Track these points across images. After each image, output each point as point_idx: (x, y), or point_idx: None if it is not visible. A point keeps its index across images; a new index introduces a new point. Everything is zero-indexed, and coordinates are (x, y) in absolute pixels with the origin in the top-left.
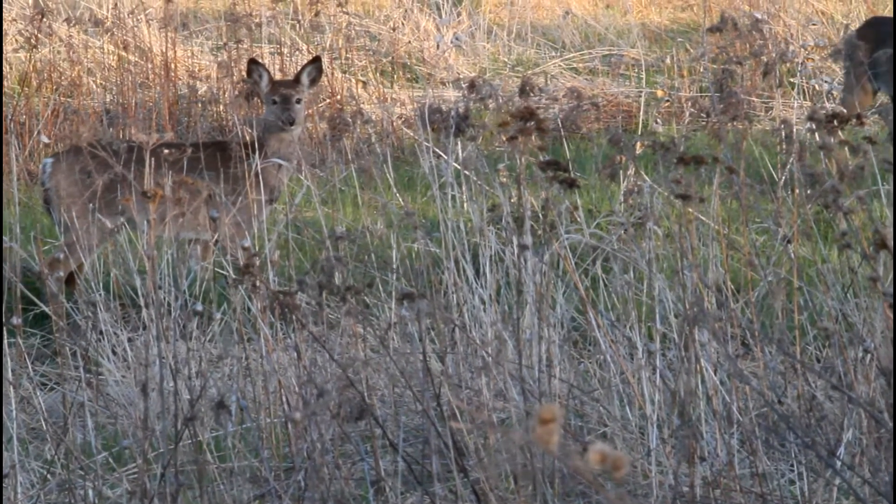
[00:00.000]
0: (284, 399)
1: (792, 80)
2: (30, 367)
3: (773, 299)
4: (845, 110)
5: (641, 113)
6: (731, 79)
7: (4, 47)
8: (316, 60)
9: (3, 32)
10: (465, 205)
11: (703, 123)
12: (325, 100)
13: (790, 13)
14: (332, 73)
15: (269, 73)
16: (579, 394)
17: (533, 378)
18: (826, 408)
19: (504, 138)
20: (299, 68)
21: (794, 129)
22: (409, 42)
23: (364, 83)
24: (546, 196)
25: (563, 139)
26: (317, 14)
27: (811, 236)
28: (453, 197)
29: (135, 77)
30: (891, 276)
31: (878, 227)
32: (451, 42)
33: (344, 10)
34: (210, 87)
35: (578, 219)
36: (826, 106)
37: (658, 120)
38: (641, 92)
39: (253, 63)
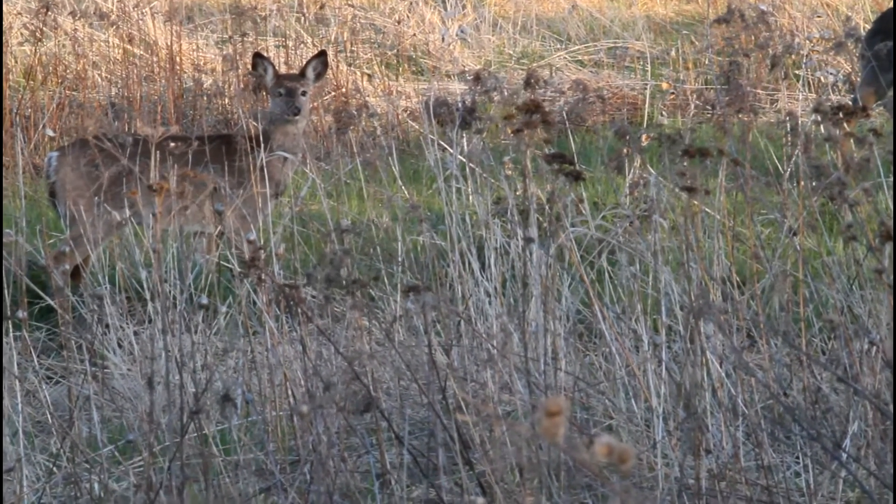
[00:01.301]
0: (290, 392)
1: (797, 72)
2: (35, 360)
3: (778, 292)
4: (863, 104)
5: (647, 105)
6: (737, 71)
7: (10, 41)
8: (321, 55)
9: (9, 26)
10: (471, 197)
11: (709, 116)
12: (330, 93)
13: (795, 5)
14: (338, 66)
15: (273, 66)
16: (585, 386)
17: (538, 371)
18: (831, 400)
19: (510, 131)
20: (305, 62)
21: (800, 122)
22: (415, 35)
23: (369, 76)
24: (551, 189)
25: (569, 132)
26: (322, 7)
27: (816, 228)
28: (458, 190)
29: (140, 70)
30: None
31: (884, 219)
32: (457, 35)
33: (349, 2)
34: (215, 80)
35: (584, 211)
36: (831, 98)
37: (663, 112)
38: (647, 84)
39: (258, 57)
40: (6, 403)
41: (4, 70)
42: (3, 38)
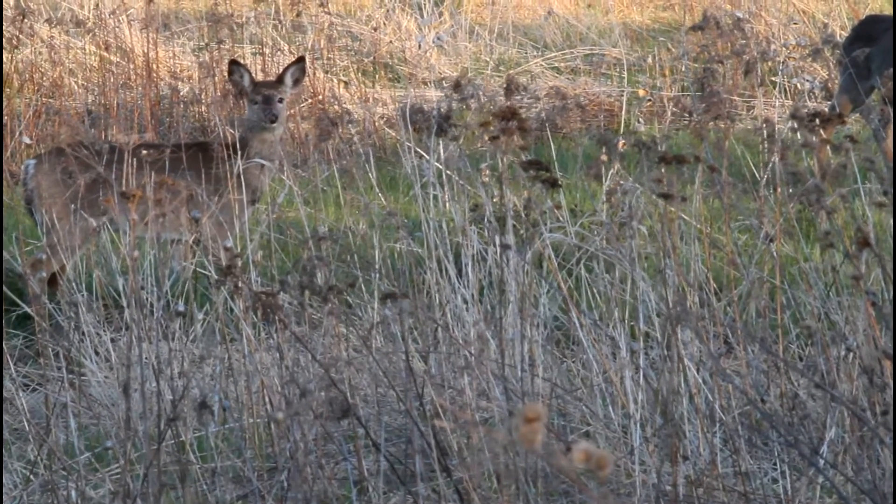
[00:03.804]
0: (267, 399)
1: (773, 79)
2: (12, 367)
3: (755, 298)
4: (840, 111)
5: (623, 112)
6: (713, 78)
7: None
8: (300, 61)
9: None
10: (448, 204)
11: (685, 123)
12: (307, 100)
13: (771, 12)
14: (314, 74)
15: (250, 73)
16: (562, 393)
17: (516, 377)
18: (809, 406)
19: (486, 138)
20: (282, 68)
21: (776, 128)
22: (391, 42)
23: (346, 83)
24: (528, 195)
25: (546, 139)
26: (298, 14)
27: (793, 235)
28: (435, 197)
29: (116, 78)
30: (873, 274)
31: (860, 226)
32: (433, 42)
33: (325, 10)
34: (192, 87)
35: (561, 218)
36: (808, 104)
37: (640, 119)
38: (623, 91)
39: (234, 64)
40: None
41: None
42: None
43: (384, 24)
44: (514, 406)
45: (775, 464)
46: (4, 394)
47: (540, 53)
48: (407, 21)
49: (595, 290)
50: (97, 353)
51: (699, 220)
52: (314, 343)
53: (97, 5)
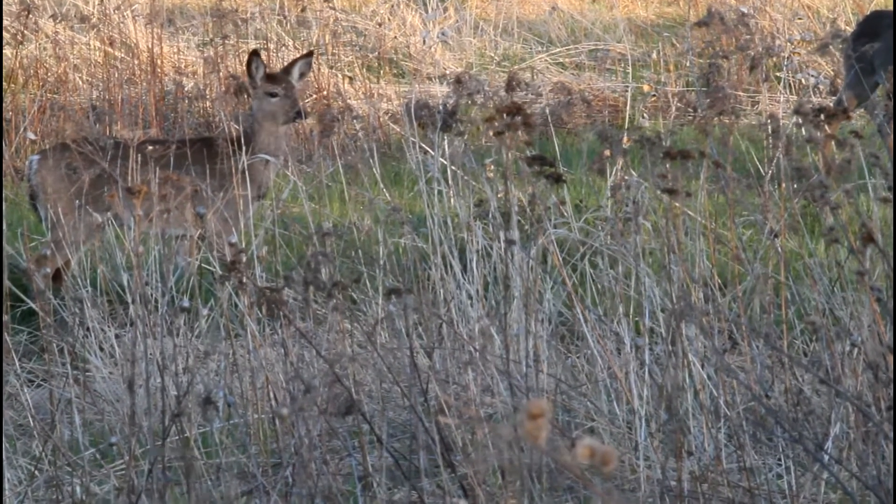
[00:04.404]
0: (272, 395)
1: (778, 74)
2: (17, 363)
3: (759, 294)
4: (845, 106)
5: (628, 108)
6: (718, 73)
7: None
8: (309, 55)
9: None
10: (452, 200)
11: (690, 118)
12: (311, 95)
13: (776, 7)
14: (319, 69)
15: (266, 67)
16: (567, 389)
17: (520, 373)
18: (813, 402)
19: (491, 133)
20: (287, 63)
21: (781, 123)
22: (396, 37)
23: (350, 79)
24: (533, 191)
25: (551, 134)
26: (303, 10)
27: (798, 230)
28: (440, 192)
29: (121, 73)
30: (878, 270)
31: (865, 221)
32: (438, 37)
33: (330, 5)
34: (196, 83)
35: (566, 214)
36: (812, 100)
37: (645, 115)
38: (628, 87)
39: (254, 55)
40: None
41: None
42: None
43: (389, 19)
44: (518, 402)
45: (780, 459)
46: (9, 389)
47: (544, 49)
48: (411, 16)
49: (599, 286)
50: (102, 349)
51: (704, 215)
52: (319, 339)
53: (102, 1)
